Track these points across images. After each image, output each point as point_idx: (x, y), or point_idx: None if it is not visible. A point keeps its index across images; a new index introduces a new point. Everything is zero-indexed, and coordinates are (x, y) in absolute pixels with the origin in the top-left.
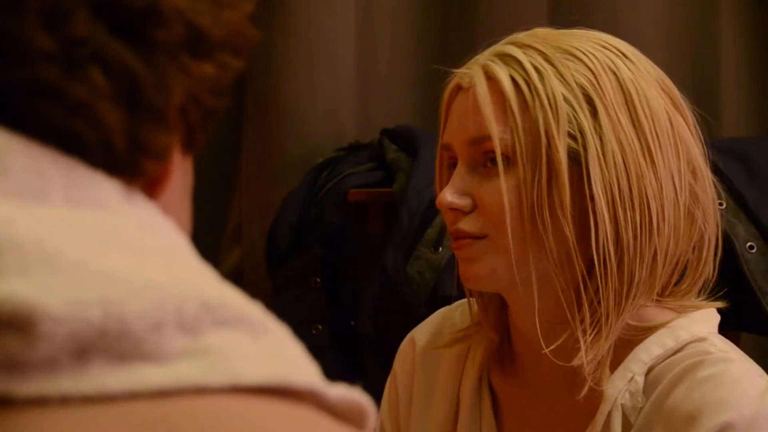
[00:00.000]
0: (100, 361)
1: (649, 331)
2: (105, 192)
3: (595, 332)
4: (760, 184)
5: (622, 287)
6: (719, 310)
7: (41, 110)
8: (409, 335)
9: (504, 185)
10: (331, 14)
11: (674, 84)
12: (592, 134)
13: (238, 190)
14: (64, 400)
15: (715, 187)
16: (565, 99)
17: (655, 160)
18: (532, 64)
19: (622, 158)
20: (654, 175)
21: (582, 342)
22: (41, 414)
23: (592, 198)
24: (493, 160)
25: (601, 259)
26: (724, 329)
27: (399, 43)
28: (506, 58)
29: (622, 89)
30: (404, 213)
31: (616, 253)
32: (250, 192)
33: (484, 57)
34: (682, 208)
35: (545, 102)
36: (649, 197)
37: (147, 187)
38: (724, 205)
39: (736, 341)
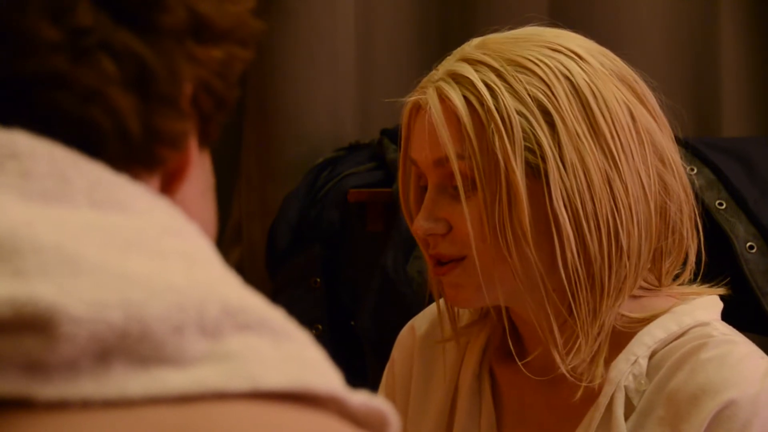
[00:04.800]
0: (121, 364)
1: (652, 318)
2: (128, 195)
3: (574, 343)
4: (760, 184)
5: (595, 297)
6: (721, 310)
7: (55, 100)
8: (408, 323)
9: (466, 209)
10: (332, 15)
11: (674, 84)
12: (551, 147)
13: (238, 190)
14: (85, 404)
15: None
16: (520, 114)
17: (619, 163)
18: (485, 83)
19: (583, 170)
20: (619, 177)
21: (556, 354)
22: (62, 417)
23: (555, 215)
24: (455, 187)
25: (570, 274)
26: None
27: (399, 43)
28: (458, 77)
29: (577, 94)
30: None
31: (583, 266)
32: (250, 192)
33: (438, 75)
34: (652, 202)
35: (499, 122)
36: (617, 203)
37: (166, 180)
38: (724, 205)
39: None
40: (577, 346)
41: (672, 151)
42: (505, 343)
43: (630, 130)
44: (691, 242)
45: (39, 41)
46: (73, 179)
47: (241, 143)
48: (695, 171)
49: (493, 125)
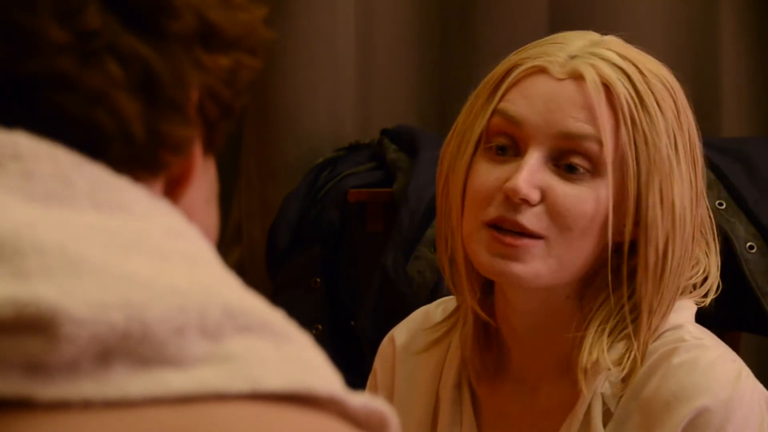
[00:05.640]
0: (122, 365)
1: None
2: (130, 197)
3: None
4: (760, 184)
5: (660, 296)
6: (718, 309)
7: (59, 101)
8: (389, 334)
9: (606, 194)
10: (332, 15)
11: None
12: (675, 169)
13: (238, 190)
14: (86, 405)
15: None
16: (665, 130)
17: (700, 200)
18: (639, 85)
19: (690, 195)
20: (697, 213)
21: (585, 346)
22: (63, 418)
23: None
24: (573, 166)
25: (649, 281)
26: (724, 329)
27: (399, 43)
28: (613, 66)
29: (689, 132)
30: (404, 213)
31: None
32: (250, 192)
33: (582, 51)
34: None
35: (657, 126)
36: (692, 233)
37: (170, 186)
38: (724, 205)
39: (736, 341)
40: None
41: (706, 202)
42: (480, 353)
43: (704, 173)
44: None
45: (46, 42)
46: (75, 181)
47: (241, 143)
48: None
49: (649, 128)
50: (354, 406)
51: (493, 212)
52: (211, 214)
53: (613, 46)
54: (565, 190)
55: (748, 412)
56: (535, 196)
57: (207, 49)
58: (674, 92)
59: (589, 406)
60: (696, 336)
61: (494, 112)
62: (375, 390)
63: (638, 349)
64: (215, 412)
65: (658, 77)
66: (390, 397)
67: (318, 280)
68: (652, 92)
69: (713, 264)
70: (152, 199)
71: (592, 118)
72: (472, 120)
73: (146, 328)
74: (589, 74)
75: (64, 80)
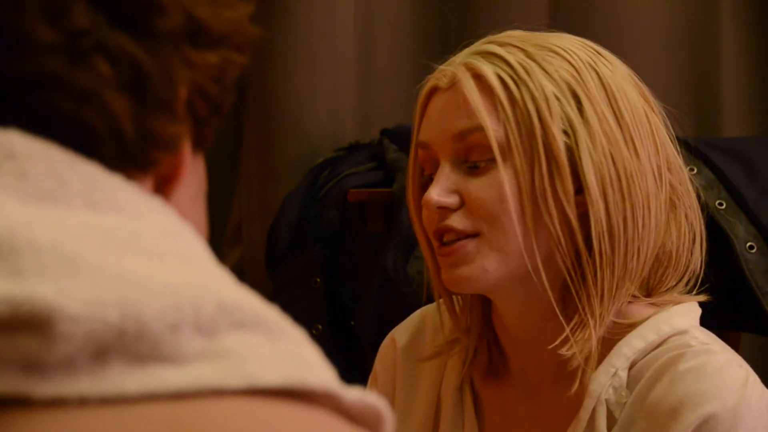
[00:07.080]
0: (118, 362)
1: (631, 327)
2: (123, 196)
3: (583, 325)
4: (760, 184)
5: (613, 277)
6: (718, 309)
7: (50, 101)
8: (389, 335)
9: (504, 177)
10: (332, 15)
11: (674, 84)
12: (580, 127)
13: (238, 190)
14: (82, 402)
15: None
16: (554, 93)
17: (639, 153)
18: (516, 61)
19: (609, 150)
20: (638, 167)
21: (570, 334)
22: (59, 415)
23: (586, 188)
24: (479, 156)
25: (597, 248)
26: (724, 329)
27: (399, 43)
28: (488, 56)
29: (603, 85)
30: (404, 213)
31: (610, 242)
32: (250, 192)
33: (464, 55)
34: (663, 203)
35: (536, 95)
36: (634, 188)
37: (160, 184)
38: (724, 205)
39: (736, 341)
40: (584, 326)
41: (681, 166)
42: (485, 356)
43: (647, 130)
44: (698, 254)
45: (35, 42)
46: (70, 180)
47: (241, 143)
48: (695, 171)
49: (528, 97)
50: (349, 400)
51: (431, 227)
52: (198, 212)
53: (500, 38)
54: (475, 185)
55: (756, 419)
56: (451, 200)
57: (195, 46)
58: (570, 54)
59: (593, 412)
60: (702, 341)
61: (417, 146)
62: (376, 390)
63: (593, 338)
64: (211, 407)
65: (548, 47)
66: (392, 399)
67: (318, 280)
68: (537, 63)
69: (697, 247)
70: (145, 197)
71: (471, 111)
72: (412, 158)
73: (142, 325)
74: (461, 71)
75: (55, 80)
